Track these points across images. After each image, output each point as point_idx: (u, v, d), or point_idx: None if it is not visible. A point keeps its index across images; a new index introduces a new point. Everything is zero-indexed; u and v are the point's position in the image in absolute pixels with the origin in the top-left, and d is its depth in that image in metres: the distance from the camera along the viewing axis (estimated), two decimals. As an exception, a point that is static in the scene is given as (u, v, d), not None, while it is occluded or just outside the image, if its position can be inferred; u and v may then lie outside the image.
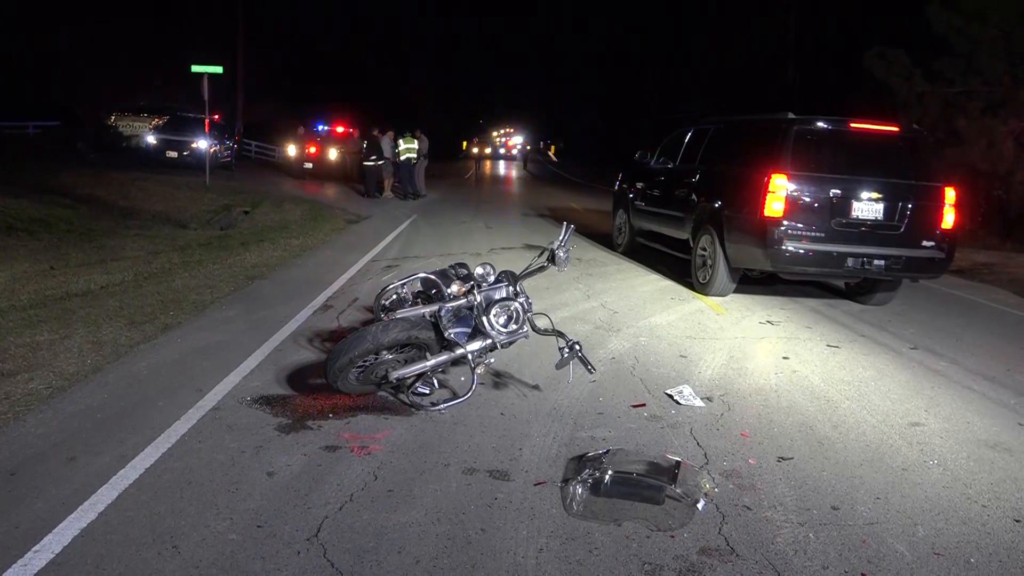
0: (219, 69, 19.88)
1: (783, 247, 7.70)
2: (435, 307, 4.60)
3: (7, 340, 5.55)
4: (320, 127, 28.00)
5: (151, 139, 25.09)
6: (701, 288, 8.84)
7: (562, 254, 4.70)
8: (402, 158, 20.51)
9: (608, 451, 3.95)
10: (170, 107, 28.29)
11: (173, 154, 23.96)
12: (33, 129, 28.73)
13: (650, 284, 9.43)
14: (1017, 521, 3.61)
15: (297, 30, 42.67)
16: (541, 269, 4.83)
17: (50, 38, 29.62)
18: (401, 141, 20.61)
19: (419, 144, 20.88)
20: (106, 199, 16.43)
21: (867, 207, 7.79)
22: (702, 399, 5.08)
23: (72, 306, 6.72)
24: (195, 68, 19.66)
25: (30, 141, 27.44)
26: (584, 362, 4.43)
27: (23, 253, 9.65)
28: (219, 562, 2.88)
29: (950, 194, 7.95)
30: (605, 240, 12.96)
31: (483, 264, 4.80)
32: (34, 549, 2.89)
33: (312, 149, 26.23)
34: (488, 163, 62.75)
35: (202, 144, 22.68)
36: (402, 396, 4.66)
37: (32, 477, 3.47)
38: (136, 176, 19.79)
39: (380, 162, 20.32)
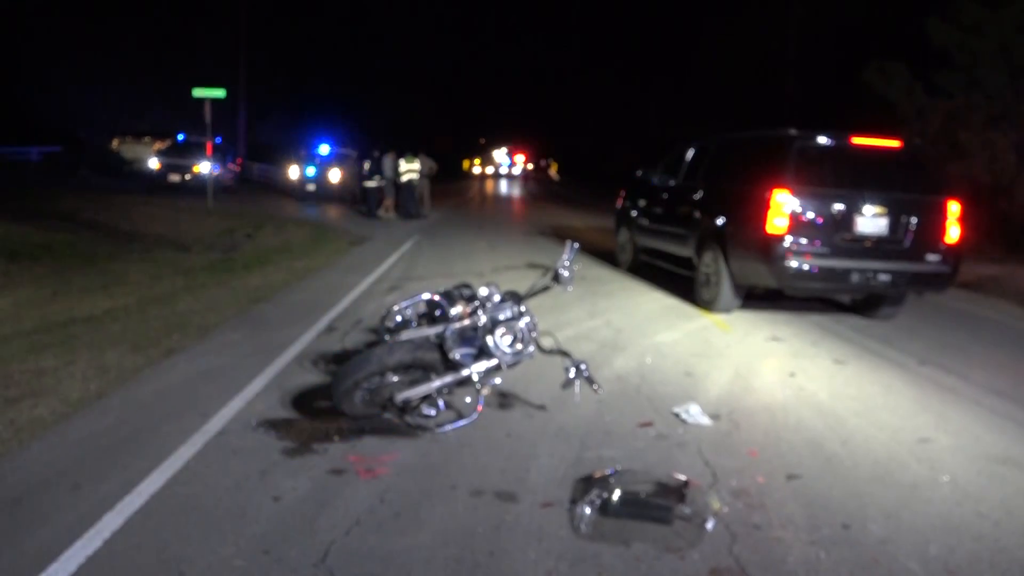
0: (221, 93, 20.00)
1: (787, 263, 7.69)
2: (440, 328, 4.60)
3: (11, 366, 5.54)
4: (322, 149, 28.09)
5: (153, 163, 25.23)
6: (706, 305, 8.83)
7: (566, 273, 4.70)
8: (404, 179, 20.60)
9: (616, 471, 3.92)
10: (171, 131, 28.48)
11: (176, 178, 24.08)
12: (36, 155, 28.92)
13: (654, 302, 9.41)
14: (1031, 537, 3.57)
15: (299, 53, 42.96)
16: (546, 289, 4.83)
17: (53, 64, 29.88)
18: (403, 161, 20.72)
19: (421, 164, 20.95)
20: (109, 223, 16.49)
21: (871, 222, 7.78)
22: (709, 417, 5.05)
23: (76, 331, 6.71)
24: (196, 92, 19.79)
25: (33, 167, 27.62)
26: (590, 381, 4.41)
27: (27, 278, 9.66)
28: (225, 589, 2.86)
29: (954, 208, 7.95)
30: (608, 258, 12.97)
31: (487, 284, 4.79)
32: (39, 578, 2.87)
33: (313, 171, 26.32)
34: (490, 182, 62.97)
35: (204, 167, 22.79)
36: (408, 418, 4.63)
37: (37, 505, 3.45)
38: (139, 200, 19.91)
39: (382, 183, 20.43)
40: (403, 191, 20.86)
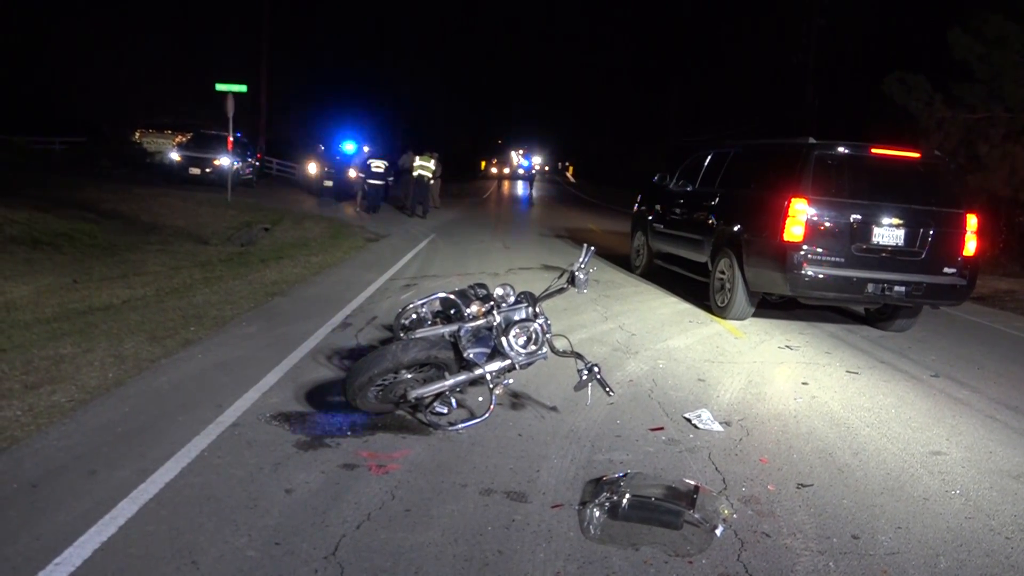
0: (243, 88, 20.21)
1: (802, 272, 7.67)
2: (455, 327, 4.62)
3: (31, 352, 5.62)
4: (341, 146, 28.22)
5: (174, 156, 25.44)
6: (719, 311, 8.82)
7: (582, 276, 4.70)
8: (415, 175, 20.91)
9: (626, 474, 3.94)
10: (193, 124, 28.71)
11: (196, 171, 24.28)
12: (60, 145, 29.18)
13: (668, 307, 9.41)
14: (1041, 554, 3.56)
15: (320, 51, 43.14)
16: (561, 291, 4.83)
17: (78, 57, 30.14)
18: (417, 158, 21.10)
19: (434, 164, 21.33)
20: (129, 214, 16.66)
21: (888, 233, 7.75)
22: (721, 423, 5.05)
23: (95, 320, 6.79)
24: (219, 87, 19.99)
25: (57, 156, 27.88)
26: (602, 384, 4.42)
27: (48, 266, 9.78)
28: (237, 579, 2.89)
29: (972, 221, 7.90)
30: (623, 262, 12.96)
31: (503, 285, 4.81)
32: (55, 562, 2.91)
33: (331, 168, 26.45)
34: (507, 183, 63.02)
35: (224, 161, 22.96)
36: (420, 415, 4.67)
37: (54, 490, 3.50)
38: (159, 192, 20.07)
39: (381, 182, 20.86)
40: (415, 187, 21.16)
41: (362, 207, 21.20)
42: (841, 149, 8.01)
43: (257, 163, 29.19)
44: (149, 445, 4.05)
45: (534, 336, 4.49)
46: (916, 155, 8.26)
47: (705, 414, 5.17)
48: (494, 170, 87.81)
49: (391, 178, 21.06)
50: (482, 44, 68.66)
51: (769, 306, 9.18)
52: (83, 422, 4.35)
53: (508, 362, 4.45)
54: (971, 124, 16.76)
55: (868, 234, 7.74)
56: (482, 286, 5.12)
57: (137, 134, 30.64)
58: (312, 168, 27.69)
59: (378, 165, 20.62)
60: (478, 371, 4.42)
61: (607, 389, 4.43)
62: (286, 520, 3.36)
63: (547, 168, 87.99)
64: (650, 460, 4.36)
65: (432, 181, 21.55)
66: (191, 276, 9.55)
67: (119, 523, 3.22)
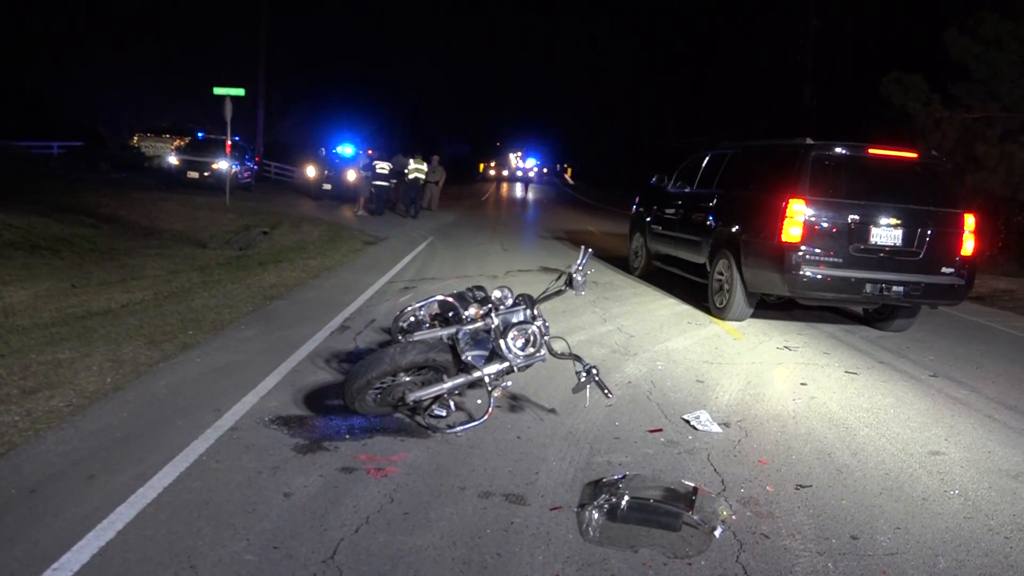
0: (241, 92, 20.21)
1: (801, 272, 7.68)
2: (453, 330, 4.62)
3: (29, 357, 5.61)
4: (340, 149, 28.23)
5: (173, 160, 25.44)
6: (718, 312, 8.82)
7: (580, 278, 4.71)
8: (410, 177, 21.17)
9: (625, 476, 3.94)
10: (192, 128, 28.72)
11: (194, 174, 24.27)
12: (58, 149, 29.17)
13: (667, 308, 9.41)
14: (1040, 553, 3.56)
15: (318, 53, 43.10)
16: (559, 293, 4.84)
17: (75, 60, 30.10)
18: (411, 161, 21.35)
19: (428, 168, 21.85)
20: (128, 219, 16.65)
21: (886, 233, 7.76)
22: (719, 425, 5.05)
23: (93, 324, 6.78)
24: (217, 91, 20.00)
25: (55, 161, 27.85)
26: (601, 386, 4.42)
27: (46, 271, 9.76)
28: (236, 583, 2.89)
29: (969, 220, 7.91)
30: (621, 263, 12.96)
31: (501, 287, 4.81)
32: (53, 567, 2.90)
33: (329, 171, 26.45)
34: (505, 185, 63.04)
35: (223, 165, 22.96)
36: (419, 418, 4.67)
37: (52, 495, 3.49)
38: (157, 196, 20.06)
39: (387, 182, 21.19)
40: (409, 190, 21.47)
41: (367, 208, 21.25)
42: (838, 150, 8.02)
43: (255, 167, 29.18)
44: (147, 450, 4.05)
45: (532, 338, 4.49)
46: (913, 155, 8.27)
47: (704, 415, 5.17)
48: (492, 172, 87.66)
49: (395, 180, 21.25)
50: (481, 46, 68.66)
51: (767, 307, 9.18)
52: (81, 427, 4.35)
53: (506, 364, 4.45)
54: (968, 124, 16.77)
55: (866, 234, 7.74)
56: (480, 288, 5.12)
57: (135, 138, 30.61)
58: (311, 171, 27.68)
59: (382, 167, 20.85)
60: (476, 374, 4.42)
61: (605, 391, 4.43)
62: (284, 524, 3.36)
63: (545, 170, 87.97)
64: (649, 462, 4.36)
65: (436, 183, 21.95)
66: (189, 280, 9.54)
67: (117, 528, 3.22)
